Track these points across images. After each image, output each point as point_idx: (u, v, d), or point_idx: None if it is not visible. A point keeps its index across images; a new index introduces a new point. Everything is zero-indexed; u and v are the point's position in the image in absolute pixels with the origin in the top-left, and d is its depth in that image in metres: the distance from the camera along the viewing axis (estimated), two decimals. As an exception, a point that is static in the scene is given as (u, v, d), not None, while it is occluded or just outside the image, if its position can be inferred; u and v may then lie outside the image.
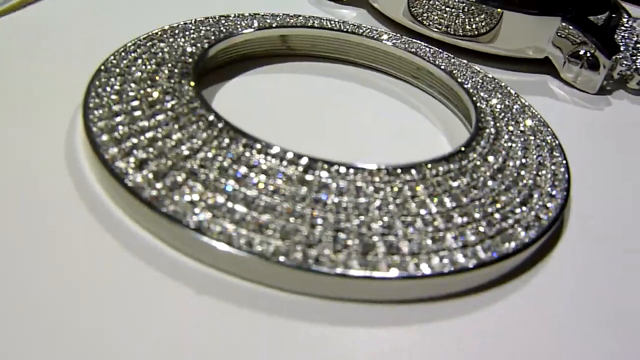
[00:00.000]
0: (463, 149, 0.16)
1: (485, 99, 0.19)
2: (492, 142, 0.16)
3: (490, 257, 0.13)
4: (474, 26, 0.23)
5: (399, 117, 0.20)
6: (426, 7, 0.24)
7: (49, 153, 0.15)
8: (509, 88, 0.20)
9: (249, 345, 0.11)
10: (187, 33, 0.19)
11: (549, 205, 0.15)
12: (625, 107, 0.23)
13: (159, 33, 0.19)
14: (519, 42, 0.23)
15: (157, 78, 0.16)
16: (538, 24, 0.23)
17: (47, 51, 0.19)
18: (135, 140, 0.14)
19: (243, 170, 0.13)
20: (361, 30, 0.22)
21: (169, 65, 0.17)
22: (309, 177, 0.14)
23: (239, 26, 0.20)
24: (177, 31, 0.19)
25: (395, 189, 0.14)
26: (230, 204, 0.13)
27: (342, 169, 0.14)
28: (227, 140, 0.14)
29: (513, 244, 0.13)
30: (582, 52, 0.22)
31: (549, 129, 0.18)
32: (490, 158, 0.16)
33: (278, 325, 0.12)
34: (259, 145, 0.14)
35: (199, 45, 0.18)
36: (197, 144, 0.14)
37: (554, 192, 0.15)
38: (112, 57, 0.17)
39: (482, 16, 0.23)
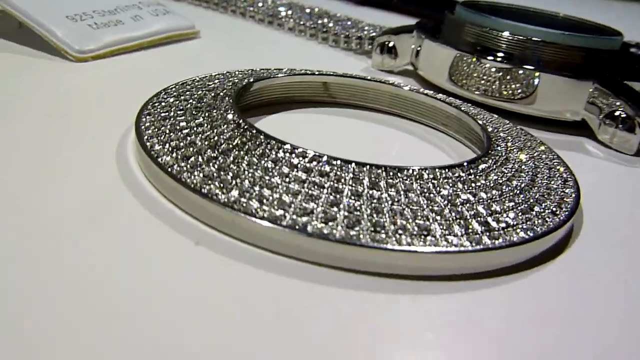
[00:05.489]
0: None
1: (503, 138, 0.20)
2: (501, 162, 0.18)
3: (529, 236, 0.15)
4: (511, 88, 0.25)
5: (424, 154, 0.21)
6: (465, 74, 0.26)
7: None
8: (538, 140, 0.21)
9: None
10: (239, 74, 0.22)
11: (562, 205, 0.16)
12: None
13: (215, 74, 0.22)
14: (556, 104, 0.24)
15: (204, 99, 0.19)
16: (572, 87, 0.24)
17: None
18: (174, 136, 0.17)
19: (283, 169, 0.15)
20: (390, 81, 0.24)
21: (217, 92, 0.20)
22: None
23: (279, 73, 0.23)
24: (227, 74, 0.22)
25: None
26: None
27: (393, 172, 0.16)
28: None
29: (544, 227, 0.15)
30: (616, 114, 0.23)
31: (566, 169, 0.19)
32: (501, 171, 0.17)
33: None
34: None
35: (245, 80, 0.21)
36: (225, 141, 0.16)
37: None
38: (171, 87, 0.21)
39: (519, 79, 0.24)
